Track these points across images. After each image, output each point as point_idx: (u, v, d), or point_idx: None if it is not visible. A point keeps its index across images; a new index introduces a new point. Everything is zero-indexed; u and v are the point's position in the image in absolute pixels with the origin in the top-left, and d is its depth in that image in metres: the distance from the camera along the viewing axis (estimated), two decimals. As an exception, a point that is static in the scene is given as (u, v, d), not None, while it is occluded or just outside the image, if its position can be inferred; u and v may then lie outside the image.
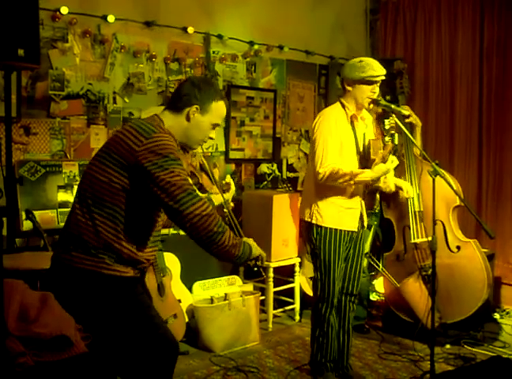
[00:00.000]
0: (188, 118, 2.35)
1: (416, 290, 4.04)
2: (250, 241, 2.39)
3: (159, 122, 2.32)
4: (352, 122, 3.37)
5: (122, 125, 2.04)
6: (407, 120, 3.89)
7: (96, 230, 2.22)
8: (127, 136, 2.23)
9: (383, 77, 3.30)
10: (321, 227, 3.34)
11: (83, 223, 2.23)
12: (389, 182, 3.70)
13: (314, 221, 3.35)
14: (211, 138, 2.47)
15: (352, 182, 3.22)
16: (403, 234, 4.26)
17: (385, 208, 4.36)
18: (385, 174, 3.28)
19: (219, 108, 2.40)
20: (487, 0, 5.08)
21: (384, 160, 3.22)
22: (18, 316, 2.62)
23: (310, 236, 3.40)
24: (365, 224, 3.48)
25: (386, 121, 3.31)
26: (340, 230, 3.34)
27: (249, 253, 2.33)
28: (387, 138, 3.23)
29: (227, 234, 2.24)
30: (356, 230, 3.40)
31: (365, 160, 3.34)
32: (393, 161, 3.23)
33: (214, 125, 2.43)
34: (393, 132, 3.23)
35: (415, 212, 4.15)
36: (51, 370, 2.52)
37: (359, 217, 3.42)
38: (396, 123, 3.24)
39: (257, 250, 2.37)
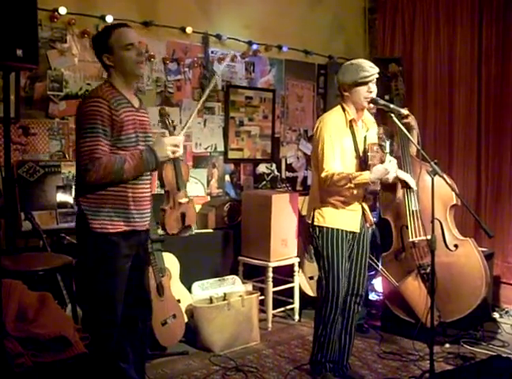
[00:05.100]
0: (109, 64, 2.71)
1: (414, 288, 4.04)
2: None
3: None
4: (351, 127, 3.38)
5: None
6: (405, 120, 3.90)
7: None
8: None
9: (377, 75, 3.31)
10: (322, 226, 3.37)
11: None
12: (390, 174, 3.66)
13: (315, 222, 3.39)
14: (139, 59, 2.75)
15: (351, 185, 3.23)
16: (401, 234, 4.26)
17: (383, 209, 4.35)
18: (384, 175, 3.27)
19: (119, 35, 2.67)
20: (486, 1, 5.07)
21: (381, 161, 3.24)
22: (17, 316, 2.62)
23: (313, 236, 3.43)
24: (368, 225, 3.49)
25: (377, 131, 3.36)
26: (342, 230, 3.36)
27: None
28: (376, 148, 3.28)
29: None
30: (358, 230, 3.42)
31: (365, 164, 3.35)
32: (390, 160, 3.24)
33: (128, 46, 2.68)
34: (382, 143, 3.27)
35: (412, 211, 4.15)
36: (50, 371, 2.52)
37: (361, 218, 3.43)
38: (384, 132, 3.28)
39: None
